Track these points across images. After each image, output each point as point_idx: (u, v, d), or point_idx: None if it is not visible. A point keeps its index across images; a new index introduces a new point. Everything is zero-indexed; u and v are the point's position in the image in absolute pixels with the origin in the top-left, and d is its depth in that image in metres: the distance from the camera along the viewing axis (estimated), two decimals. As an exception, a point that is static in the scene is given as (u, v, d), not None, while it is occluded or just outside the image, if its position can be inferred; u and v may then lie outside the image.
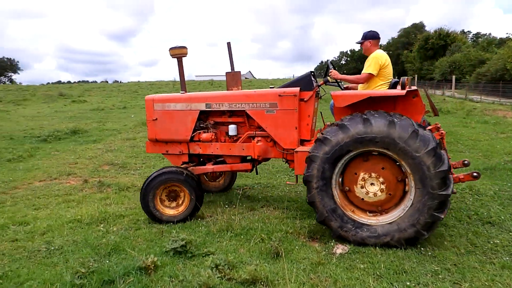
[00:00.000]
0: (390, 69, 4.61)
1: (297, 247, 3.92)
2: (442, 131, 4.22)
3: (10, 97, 27.52)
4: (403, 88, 3.96)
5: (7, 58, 75.69)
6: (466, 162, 4.17)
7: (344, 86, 4.98)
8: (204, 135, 4.99)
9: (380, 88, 4.53)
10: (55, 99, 25.58)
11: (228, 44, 5.26)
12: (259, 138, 4.84)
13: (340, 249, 3.84)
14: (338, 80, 4.76)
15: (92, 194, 6.18)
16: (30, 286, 3.20)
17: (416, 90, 3.96)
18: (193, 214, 4.77)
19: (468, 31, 64.43)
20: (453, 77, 30.36)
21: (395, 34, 71.58)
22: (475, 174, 3.93)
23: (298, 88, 4.55)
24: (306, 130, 4.63)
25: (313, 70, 4.80)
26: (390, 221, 3.78)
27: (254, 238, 4.10)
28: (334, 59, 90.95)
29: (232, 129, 4.95)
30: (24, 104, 23.60)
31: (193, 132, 5.02)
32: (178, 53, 5.11)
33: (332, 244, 3.96)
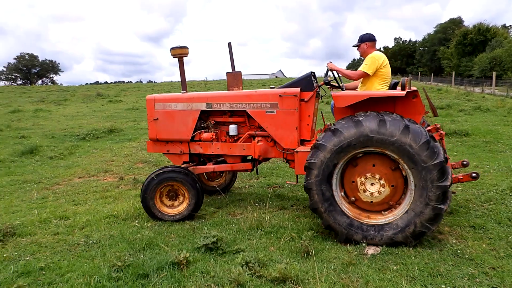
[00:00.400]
0: (388, 70, 4.62)
1: (327, 247, 3.89)
2: (442, 132, 4.27)
3: (52, 97, 28.86)
4: (403, 89, 3.93)
5: (49, 60, 79.45)
6: (465, 162, 4.24)
7: (345, 87, 4.92)
8: (205, 135, 5.04)
9: (379, 89, 4.53)
10: (93, 99, 26.58)
11: (229, 44, 5.28)
12: (260, 138, 4.86)
13: (372, 249, 3.77)
14: (339, 81, 4.78)
15: (127, 190, 6.40)
16: (70, 278, 3.36)
17: (415, 90, 3.95)
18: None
19: (510, 26, 61.27)
20: (494, 73, 28.89)
21: (431, 30, 69.25)
22: (474, 174, 4.00)
23: (299, 89, 4.57)
24: (306, 130, 4.66)
25: (313, 71, 4.80)
26: (406, 210, 3.74)
27: (284, 236, 4.11)
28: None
29: (232, 129, 4.98)
30: (65, 104, 24.68)
31: (194, 132, 5.06)
32: (179, 53, 5.16)
33: (363, 244, 3.90)
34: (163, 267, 3.40)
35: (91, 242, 4.18)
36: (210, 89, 29.53)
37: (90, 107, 21.94)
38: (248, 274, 3.26)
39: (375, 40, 4.80)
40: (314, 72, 4.79)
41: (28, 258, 3.79)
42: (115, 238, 4.24)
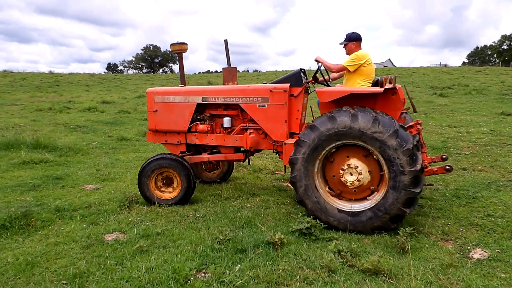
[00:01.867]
0: (371, 68, 4.86)
1: (426, 246, 3.72)
2: (419, 127, 4.51)
3: (170, 84, 31.84)
4: (381, 86, 4.17)
5: (169, 51, 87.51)
6: (444, 156, 4.64)
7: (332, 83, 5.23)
8: (201, 127, 5.27)
9: (361, 86, 4.74)
10: (204, 87, 28.65)
11: (225, 41, 5.50)
12: (252, 130, 5.08)
13: (478, 254, 3.49)
14: (324, 74, 5.06)
15: (237, 173, 6.88)
16: (180, 244, 3.83)
17: (394, 88, 4.22)
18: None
19: None
20: None
21: None
22: (447, 167, 4.31)
23: (288, 84, 4.79)
24: (295, 124, 4.87)
25: (303, 67, 5.01)
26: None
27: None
28: (493, 44, 78.38)
29: (226, 121, 5.20)
30: (180, 91, 27.09)
31: (190, 124, 5.29)
32: (178, 49, 5.40)
33: (469, 247, 3.63)
34: (259, 245, 3.65)
35: (198, 215, 4.66)
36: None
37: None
38: (339, 262, 3.31)
39: (361, 40, 5.03)
40: (304, 69, 5.01)
41: (148, 223, 4.41)
42: (218, 214, 4.66)
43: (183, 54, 5.53)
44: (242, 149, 5.26)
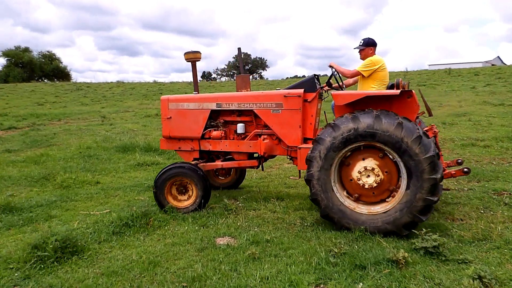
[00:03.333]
0: (385, 73, 4.97)
1: None
2: (436, 130, 4.52)
3: (260, 90, 32.63)
4: (397, 88, 4.29)
5: (259, 58, 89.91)
6: (459, 161, 4.64)
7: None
8: (214, 133, 5.27)
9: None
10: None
11: (239, 49, 5.58)
12: (265, 136, 5.09)
13: None
14: (339, 80, 5.09)
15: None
16: (291, 254, 3.68)
17: (410, 91, 4.24)
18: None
19: None
20: None
21: None
22: (465, 169, 4.35)
23: (302, 90, 4.82)
24: (309, 129, 4.89)
25: (317, 74, 4.99)
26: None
27: (527, 255, 3.42)
28: None
29: (240, 128, 5.19)
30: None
31: (204, 130, 5.28)
32: (192, 57, 5.47)
33: None
34: (380, 262, 3.33)
35: (306, 224, 4.49)
36: (422, 81, 27.45)
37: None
38: (481, 290, 2.85)
39: (377, 45, 5.14)
40: (317, 75, 4.99)
41: (256, 229, 4.37)
42: (327, 224, 4.42)
43: (197, 62, 5.60)
44: (256, 155, 5.26)
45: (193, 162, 5.24)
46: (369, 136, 3.94)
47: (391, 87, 4.84)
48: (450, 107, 14.31)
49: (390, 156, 4.03)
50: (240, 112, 5.30)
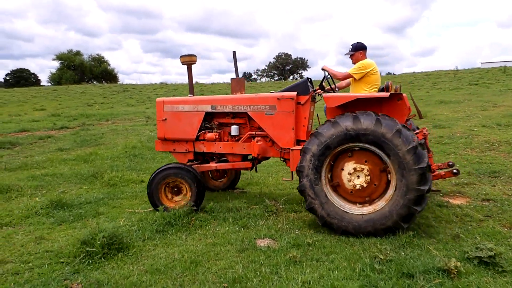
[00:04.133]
0: (377, 76, 5.16)
1: None
2: (426, 132, 4.39)
3: (301, 91, 32.36)
4: (387, 91, 4.47)
5: (300, 58, 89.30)
6: (450, 163, 4.64)
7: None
8: (209, 135, 5.32)
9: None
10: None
11: (234, 53, 5.59)
12: (259, 138, 5.11)
13: None
14: (331, 83, 5.19)
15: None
16: (334, 258, 3.58)
17: (400, 94, 4.38)
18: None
19: None
20: None
21: None
22: (454, 171, 4.33)
23: (295, 93, 4.85)
24: (302, 131, 4.92)
25: (309, 77, 5.05)
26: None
27: None
28: None
29: (234, 130, 5.25)
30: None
31: (198, 132, 5.32)
32: (188, 61, 5.53)
33: None
34: (430, 271, 3.15)
35: (348, 228, 4.34)
36: (490, 82, 26.06)
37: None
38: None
39: (366, 49, 5.33)
40: (310, 78, 5.04)
41: (297, 232, 4.30)
42: (372, 229, 4.25)
43: (192, 65, 5.64)
44: (250, 157, 5.32)
45: (187, 164, 5.31)
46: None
47: (381, 90, 4.99)
48: (506, 108, 13.40)
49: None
50: (234, 115, 5.37)
